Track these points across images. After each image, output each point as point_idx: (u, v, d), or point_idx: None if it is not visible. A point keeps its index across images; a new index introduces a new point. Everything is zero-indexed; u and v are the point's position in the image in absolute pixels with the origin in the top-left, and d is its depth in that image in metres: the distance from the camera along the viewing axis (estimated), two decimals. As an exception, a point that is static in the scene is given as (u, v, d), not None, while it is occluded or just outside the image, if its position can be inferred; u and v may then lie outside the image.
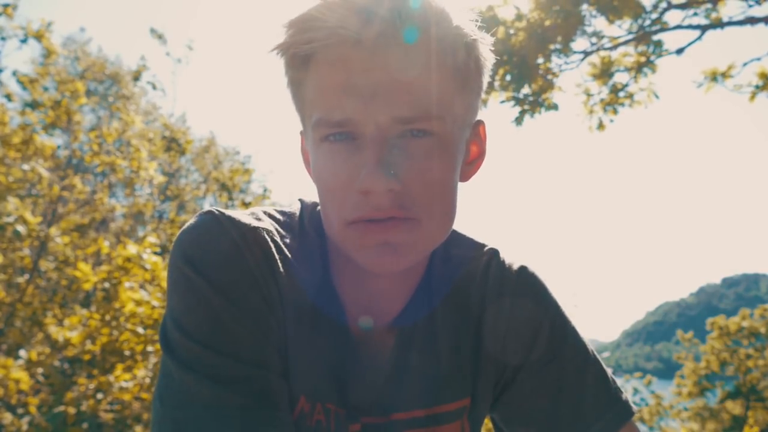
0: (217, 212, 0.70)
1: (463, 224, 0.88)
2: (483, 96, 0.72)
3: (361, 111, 0.60)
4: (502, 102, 7.00)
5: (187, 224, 0.70)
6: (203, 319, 0.65)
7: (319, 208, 0.80)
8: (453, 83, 0.64)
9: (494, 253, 0.85)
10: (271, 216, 0.76)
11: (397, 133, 0.62)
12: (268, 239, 0.70)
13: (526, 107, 7.02)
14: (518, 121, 7.07)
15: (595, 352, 0.84)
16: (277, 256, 0.70)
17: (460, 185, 0.71)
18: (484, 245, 0.86)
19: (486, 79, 0.71)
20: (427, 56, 0.61)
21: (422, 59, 0.61)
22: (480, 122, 0.74)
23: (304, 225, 0.78)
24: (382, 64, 0.59)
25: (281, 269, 0.70)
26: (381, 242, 0.63)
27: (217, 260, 0.66)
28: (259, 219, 0.73)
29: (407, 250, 0.64)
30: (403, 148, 0.62)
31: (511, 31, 6.62)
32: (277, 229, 0.73)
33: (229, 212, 0.71)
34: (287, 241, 0.74)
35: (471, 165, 0.75)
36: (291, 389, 0.73)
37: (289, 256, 0.72)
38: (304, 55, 0.63)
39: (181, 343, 0.65)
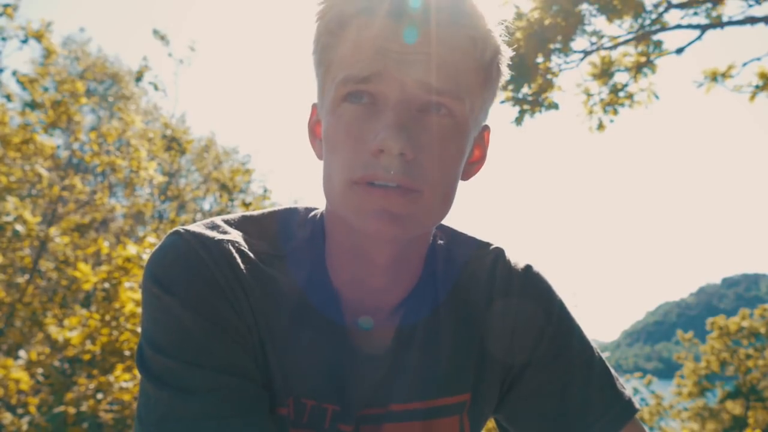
0: (182, 231, 0.72)
1: (464, 224, 0.88)
2: (493, 102, 0.74)
3: (390, 70, 0.62)
4: (502, 102, 7.00)
5: (155, 247, 0.73)
6: (174, 334, 0.66)
7: (313, 212, 0.81)
8: (477, 76, 0.67)
9: (500, 252, 0.85)
10: (238, 226, 0.77)
11: (420, 103, 0.64)
12: (233, 250, 0.72)
13: (525, 107, 7.01)
14: (518, 121, 7.07)
15: (599, 351, 0.85)
16: (243, 266, 0.71)
17: (460, 183, 0.72)
18: (489, 244, 0.87)
19: (499, 89, 0.73)
20: (461, 42, 0.64)
21: (456, 43, 0.64)
22: (486, 127, 0.76)
23: (290, 230, 0.79)
24: (418, 36, 0.62)
25: (249, 277, 0.71)
26: (381, 209, 0.63)
27: (184, 276, 0.68)
28: (224, 231, 0.74)
29: (405, 221, 0.64)
30: (423, 122, 0.64)
31: (511, 30, 6.61)
32: (246, 239, 0.75)
33: (194, 229, 0.72)
34: (260, 247, 0.75)
35: (472, 166, 0.76)
36: (277, 391, 0.73)
37: (259, 262, 0.73)
38: (341, 21, 0.65)
39: (154, 361, 0.66)
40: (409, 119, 0.63)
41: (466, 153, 0.69)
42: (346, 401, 0.75)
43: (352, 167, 0.64)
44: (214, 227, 0.74)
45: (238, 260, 0.71)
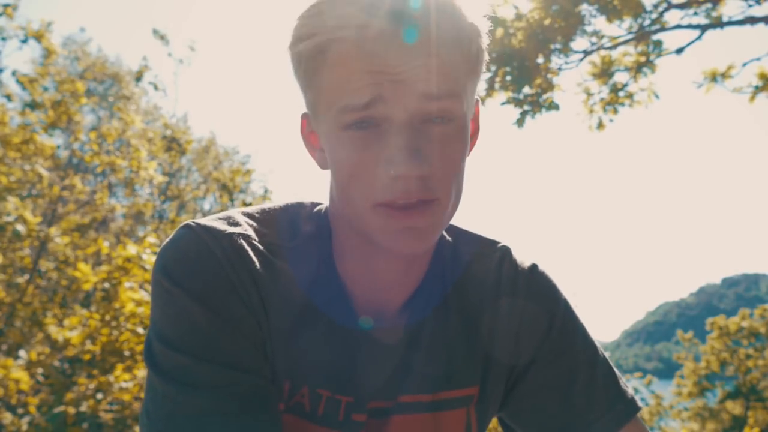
0: (193, 224, 0.71)
1: (465, 224, 0.88)
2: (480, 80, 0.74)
3: (390, 93, 0.61)
4: (503, 103, 7.00)
5: (166, 240, 0.72)
6: (183, 328, 0.66)
7: (318, 207, 0.81)
8: (465, 68, 0.66)
9: (506, 250, 0.86)
10: (251, 218, 0.76)
11: (422, 118, 0.63)
12: (245, 243, 0.71)
13: (526, 108, 7.02)
14: (519, 122, 7.08)
15: (603, 351, 0.86)
16: (254, 259, 0.71)
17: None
18: (495, 242, 0.87)
19: (486, 60, 0.72)
20: (450, 43, 0.63)
21: (443, 48, 0.63)
22: (476, 100, 0.76)
23: (298, 224, 0.78)
24: (406, 54, 0.61)
25: (260, 270, 0.71)
26: (406, 227, 0.64)
27: (194, 270, 0.68)
28: (236, 224, 0.74)
29: (429, 232, 0.66)
30: (429, 133, 0.64)
31: (511, 31, 6.62)
32: (257, 231, 0.74)
33: (205, 222, 0.72)
34: (271, 240, 0.75)
35: (471, 141, 0.76)
36: (292, 382, 0.74)
37: (270, 255, 0.73)
38: (322, 45, 0.64)
39: (163, 355, 0.66)
40: (417, 137, 0.63)
41: (469, 143, 0.70)
42: (358, 393, 0.76)
43: (373, 192, 0.64)
44: (225, 220, 0.74)
45: (250, 253, 0.71)
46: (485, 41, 0.69)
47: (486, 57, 0.71)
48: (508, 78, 6.79)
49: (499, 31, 6.55)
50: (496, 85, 6.86)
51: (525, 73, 6.67)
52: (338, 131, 0.65)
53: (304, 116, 0.75)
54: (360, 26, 0.61)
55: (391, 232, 0.65)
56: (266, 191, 9.75)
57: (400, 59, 0.61)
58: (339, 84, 0.63)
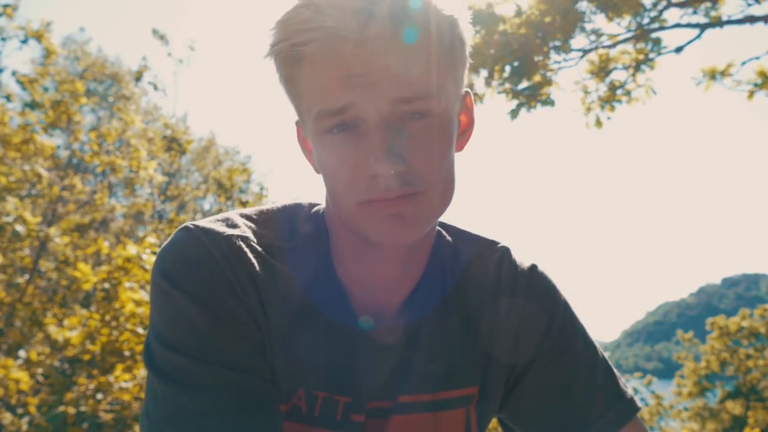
0: (191, 226, 0.72)
1: (465, 224, 0.89)
2: (467, 68, 0.73)
3: (361, 98, 0.62)
4: (499, 93, 6.97)
5: (165, 242, 0.73)
6: (182, 329, 0.67)
7: (316, 208, 0.81)
8: (443, 63, 0.65)
9: (506, 250, 0.86)
10: (249, 219, 0.77)
11: (397, 117, 0.64)
12: (244, 245, 0.72)
13: (522, 100, 6.99)
14: (514, 114, 7.04)
15: (602, 351, 0.86)
16: (253, 260, 0.72)
17: (456, 156, 0.73)
18: (495, 243, 0.87)
19: (468, 50, 0.72)
20: (418, 44, 0.62)
21: (413, 47, 0.62)
22: (466, 93, 0.76)
23: (296, 225, 0.79)
24: (375, 56, 0.61)
25: (259, 271, 0.71)
26: (392, 214, 0.65)
27: (193, 272, 0.68)
28: (234, 226, 0.74)
29: (416, 221, 0.66)
30: (405, 130, 0.64)
31: (511, 26, 6.61)
32: (256, 233, 0.75)
33: (203, 224, 0.73)
34: (269, 241, 0.75)
35: (463, 135, 0.76)
36: (289, 384, 0.74)
37: (269, 256, 0.73)
38: (296, 53, 0.64)
39: (162, 356, 0.66)
40: (392, 135, 0.63)
41: (453, 138, 0.69)
42: (356, 393, 0.76)
43: (355, 192, 0.65)
44: (223, 221, 0.75)
45: (248, 255, 0.72)
46: (466, 30, 0.69)
47: (468, 47, 0.70)
48: (507, 69, 6.76)
49: (499, 27, 6.55)
50: (495, 75, 6.83)
51: (525, 68, 6.66)
52: (319, 135, 0.66)
53: (297, 123, 0.76)
54: (328, 32, 0.61)
55: (377, 223, 0.65)
56: (262, 189, 9.75)
57: (369, 63, 0.61)
58: (313, 90, 0.64)
